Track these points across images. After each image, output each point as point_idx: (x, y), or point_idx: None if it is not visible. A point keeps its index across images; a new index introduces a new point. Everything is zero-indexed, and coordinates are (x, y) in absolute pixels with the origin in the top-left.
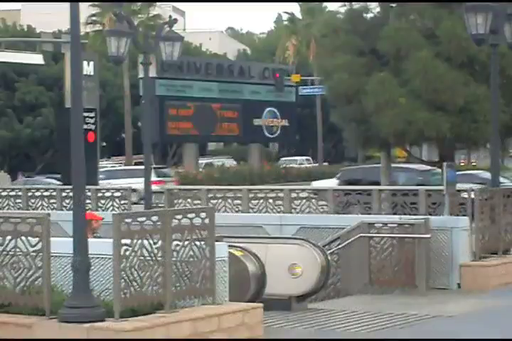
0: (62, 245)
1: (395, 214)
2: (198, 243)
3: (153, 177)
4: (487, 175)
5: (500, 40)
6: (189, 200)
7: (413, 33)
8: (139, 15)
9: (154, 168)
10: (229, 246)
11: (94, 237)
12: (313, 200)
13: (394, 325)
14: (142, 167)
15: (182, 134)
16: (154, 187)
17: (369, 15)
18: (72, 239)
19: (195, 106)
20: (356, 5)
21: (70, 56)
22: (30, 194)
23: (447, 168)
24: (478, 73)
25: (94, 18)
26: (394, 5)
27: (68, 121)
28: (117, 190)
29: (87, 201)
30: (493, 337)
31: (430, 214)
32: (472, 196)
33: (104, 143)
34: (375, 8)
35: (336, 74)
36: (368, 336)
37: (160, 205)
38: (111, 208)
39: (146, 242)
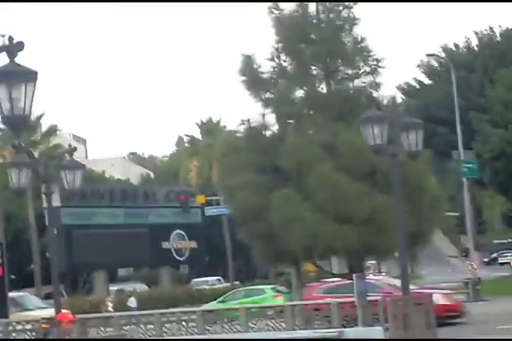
0: None
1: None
2: None
3: None
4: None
5: (398, 149)
6: (101, 328)
7: (313, 147)
8: (40, 146)
9: None
10: None
11: None
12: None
13: None
14: None
15: (90, 262)
16: None
17: (268, 133)
18: None
19: (101, 233)
20: (254, 123)
21: None
22: None
23: (357, 280)
24: (380, 183)
25: None
26: (291, 121)
27: None
28: (27, 322)
29: None
30: None
31: (344, 326)
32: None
33: (13, 276)
34: (273, 125)
35: (239, 192)
36: None
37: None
38: None
39: None
